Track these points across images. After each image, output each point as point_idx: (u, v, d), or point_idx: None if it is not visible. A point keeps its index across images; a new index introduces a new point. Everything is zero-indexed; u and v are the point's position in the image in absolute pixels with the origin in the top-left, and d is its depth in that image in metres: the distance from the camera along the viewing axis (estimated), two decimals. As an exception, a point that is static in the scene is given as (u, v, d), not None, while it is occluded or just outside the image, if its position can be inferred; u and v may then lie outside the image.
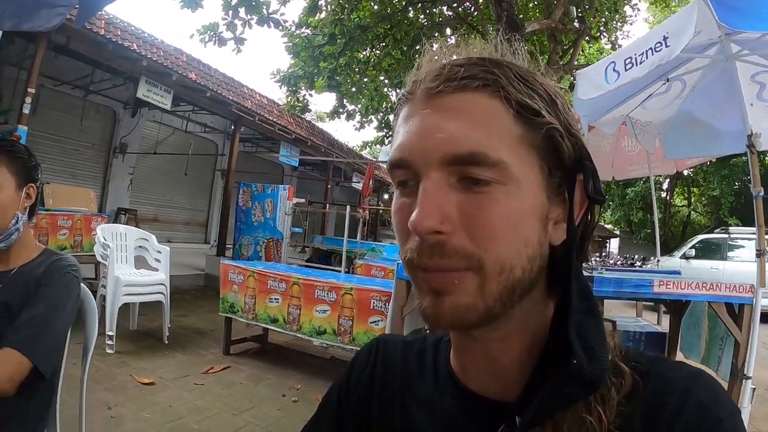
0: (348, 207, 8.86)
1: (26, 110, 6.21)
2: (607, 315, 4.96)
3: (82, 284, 1.72)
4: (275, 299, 4.72)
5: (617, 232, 28.76)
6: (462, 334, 0.64)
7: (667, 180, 24.02)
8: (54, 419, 1.73)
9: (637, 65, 3.28)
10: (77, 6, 2.82)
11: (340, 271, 8.02)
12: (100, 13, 7.03)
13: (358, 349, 3.11)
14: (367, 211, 10.23)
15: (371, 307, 4.17)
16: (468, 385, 0.66)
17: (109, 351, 4.74)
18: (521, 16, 9.78)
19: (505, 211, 0.54)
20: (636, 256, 17.12)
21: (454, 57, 0.60)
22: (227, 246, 10.47)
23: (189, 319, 6.55)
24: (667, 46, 3.04)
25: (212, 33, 8.00)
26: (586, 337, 0.55)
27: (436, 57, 0.62)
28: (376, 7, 10.20)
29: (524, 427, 0.54)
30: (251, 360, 5.04)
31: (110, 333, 4.81)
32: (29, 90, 6.33)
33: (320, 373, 4.77)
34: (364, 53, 11.47)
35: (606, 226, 28.92)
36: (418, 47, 10.60)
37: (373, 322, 4.15)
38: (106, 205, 11.07)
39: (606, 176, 6.88)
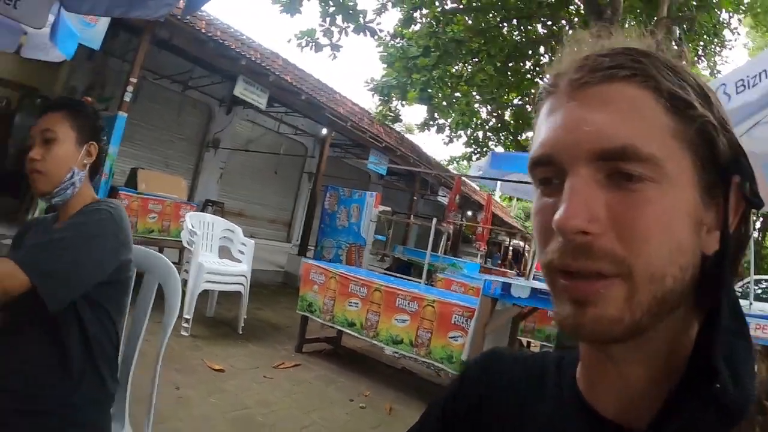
0: (434, 219, 8.73)
1: (127, 98, 6.50)
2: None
3: (127, 230, 1.58)
4: (355, 303, 4.65)
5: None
6: (599, 349, 0.57)
7: (761, 218, 22.46)
8: (124, 392, 1.73)
9: (749, 88, 2.92)
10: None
11: (420, 283, 7.92)
12: (200, 13, 7.31)
13: (432, 362, 2.96)
14: (451, 226, 10.08)
15: (452, 322, 4.01)
16: (596, 407, 0.58)
17: (183, 333, 4.83)
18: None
19: (658, 211, 0.49)
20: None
21: (597, 47, 0.55)
22: (309, 247, 10.58)
23: (265, 312, 6.60)
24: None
25: (309, 38, 8.16)
26: (734, 360, 0.49)
27: (576, 48, 0.57)
28: (470, 21, 10.08)
29: None
30: (323, 361, 4.98)
31: (187, 316, 4.89)
32: (131, 80, 6.62)
33: (390, 383, 4.64)
34: (457, 67, 11.36)
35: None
36: (511, 64, 10.39)
37: (452, 338, 3.99)
38: (195, 195, 11.50)
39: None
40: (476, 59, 10.91)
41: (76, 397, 1.43)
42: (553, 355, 0.71)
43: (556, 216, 0.49)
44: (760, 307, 10.62)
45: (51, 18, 3.36)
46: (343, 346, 5.47)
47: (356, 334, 4.62)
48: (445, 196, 14.94)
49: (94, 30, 5.60)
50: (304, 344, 5.18)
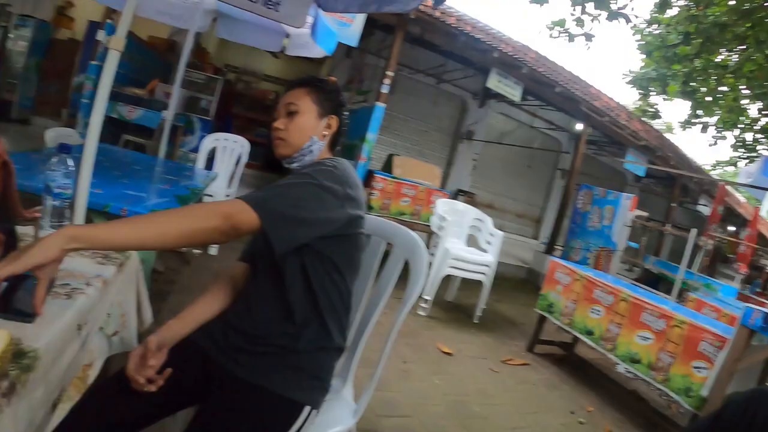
0: (694, 231, 7.78)
1: (384, 90, 6.90)
2: None
3: (355, 186, 1.58)
4: (597, 311, 4.30)
5: None
6: None
7: None
8: (352, 354, 1.87)
9: None
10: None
11: (669, 299, 7.13)
12: (449, 9, 7.45)
13: (667, 391, 2.59)
14: (711, 241, 8.86)
15: (699, 350, 3.43)
16: None
17: (421, 313, 5.05)
18: None
19: None
20: None
21: None
22: (557, 246, 10.20)
23: (503, 305, 6.56)
24: None
25: (561, 28, 7.79)
26: None
27: None
28: (734, 1, 8.64)
29: None
30: (552, 365, 4.77)
31: (427, 297, 5.10)
32: (387, 73, 7.02)
33: (615, 403, 4.23)
34: (722, 56, 9.84)
35: None
36: None
37: (696, 368, 3.41)
38: (447, 185, 11.88)
39: None
40: (743, 46, 9.33)
41: (299, 343, 1.51)
42: None
43: None
44: None
45: (310, 19, 3.70)
46: (576, 354, 5.16)
47: (592, 344, 4.26)
48: (706, 206, 13.20)
49: (350, 29, 6.09)
50: (537, 345, 5.01)
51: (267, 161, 11.57)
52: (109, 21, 6.28)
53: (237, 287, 1.71)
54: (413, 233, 1.87)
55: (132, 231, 1.18)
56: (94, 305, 1.41)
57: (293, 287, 1.53)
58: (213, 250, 5.03)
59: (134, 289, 1.83)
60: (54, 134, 3.36)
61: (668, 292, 7.45)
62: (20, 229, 1.49)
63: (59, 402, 1.24)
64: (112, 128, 6.40)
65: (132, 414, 1.39)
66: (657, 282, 10.11)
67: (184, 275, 4.30)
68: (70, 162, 1.47)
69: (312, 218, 1.43)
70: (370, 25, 8.03)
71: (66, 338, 1.21)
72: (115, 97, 6.01)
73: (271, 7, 3.24)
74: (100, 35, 6.24)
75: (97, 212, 2.19)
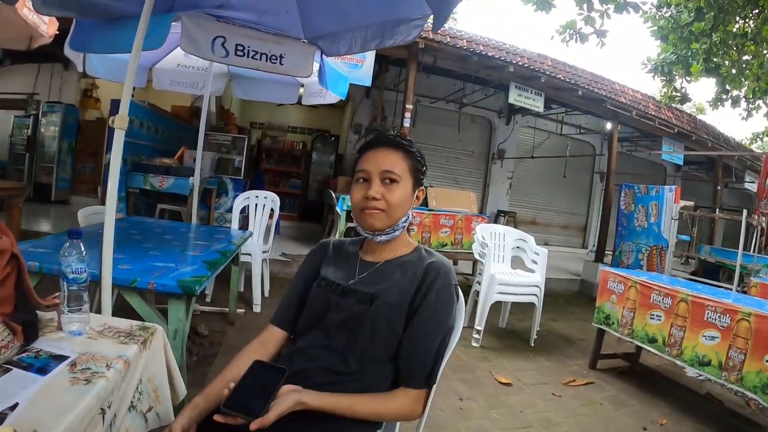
0: (744, 211, 7.47)
1: (406, 124, 6.97)
2: None
3: (459, 290, 1.67)
4: (657, 316, 4.08)
5: None
6: None
7: None
8: None
9: None
10: (431, 14, 2.89)
11: (730, 289, 6.81)
12: (459, 32, 7.48)
13: (743, 391, 2.38)
14: (764, 218, 8.47)
15: None
16: None
17: (474, 344, 4.91)
18: None
19: None
20: None
21: None
22: (606, 252, 9.93)
23: (558, 324, 6.34)
24: None
25: (572, 31, 7.71)
26: None
27: None
28: None
29: None
30: (617, 380, 4.54)
31: (478, 327, 4.96)
32: (407, 107, 7.13)
33: (690, 411, 3.97)
34: (738, 25, 9.50)
35: None
36: None
37: None
38: (486, 208, 11.88)
39: None
40: (757, 10, 8.99)
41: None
42: None
43: None
44: None
45: (316, 66, 3.73)
46: (641, 363, 4.92)
47: (657, 352, 4.03)
48: (753, 182, 12.66)
49: (361, 70, 6.17)
50: (599, 360, 4.79)
51: (302, 212, 11.78)
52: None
53: (268, 354, 1.66)
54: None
55: (348, 410, 1.41)
56: (116, 387, 1.38)
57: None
58: (257, 308, 5.04)
59: (163, 363, 1.80)
60: (86, 214, 3.45)
61: (730, 280, 7.11)
62: (44, 315, 1.53)
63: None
64: (147, 199, 6.61)
65: None
66: (716, 271, 9.69)
67: (229, 336, 4.29)
68: (83, 246, 1.48)
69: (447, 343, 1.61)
70: (382, 61, 8.15)
71: (87, 424, 1.17)
72: (145, 169, 6.20)
73: (275, 61, 3.30)
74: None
75: (125, 288, 2.20)
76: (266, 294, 5.46)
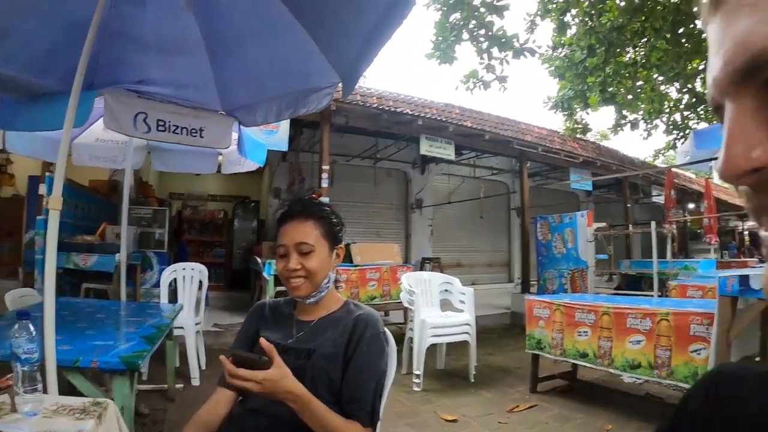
0: (652, 223, 8.03)
1: (324, 184, 7.17)
2: None
3: (388, 335, 1.82)
4: (584, 332, 4.36)
5: None
6: None
7: None
8: None
9: None
10: (340, 82, 3.09)
11: (652, 296, 7.28)
12: (369, 90, 7.82)
13: (676, 383, 2.60)
14: (673, 225, 9.14)
15: (691, 334, 3.54)
16: None
17: (416, 389, 4.95)
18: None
19: None
20: None
21: None
22: (531, 282, 10.33)
23: (495, 357, 6.50)
24: None
25: (475, 79, 8.16)
26: None
27: None
28: (623, 3, 9.27)
29: None
30: (559, 398, 4.74)
31: (417, 372, 5.04)
32: (323, 167, 7.35)
33: (633, 413, 4.21)
34: (629, 55, 10.46)
35: None
36: (681, 30, 9.32)
37: (694, 351, 3.52)
38: (410, 257, 12.04)
39: None
40: (644, 39, 9.93)
41: None
42: None
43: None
44: None
45: (235, 135, 3.85)
46: (580, 379, 5.16)
47: (590, 365, 4.30)
48: (660, 195, 13.69)
49: (277, 135, 6.31)
50: (539, 383, 4.99)
51: (229, 281, 11.60)
52: (48, 174, 6.32)
53: (220, 415, 1.71)
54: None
55: (322, 414, 1.50)
56: (82, 459, 1.40)
57: None
58: (195, 381, 4.93)
59: (119, 436, 1.80)
60: (13, 297, 3.34)
61: (652, 288, 7.58)
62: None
63: None
64: (71, 279, 6.29)
65: None
66: (638, 282, 10.27)
67: (171, 412, 4.17)
68: (32, 327, 1.50)
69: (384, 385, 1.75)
70: (297, 125, 8.33)
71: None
72: (68, 247, 5.95)
73: (195, 134, 3.39)
74: (42, 189, 6.26)
75: (68, 368, 2.17)
76: (203, 366, 5.34)
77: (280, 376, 1.43)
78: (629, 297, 5.42)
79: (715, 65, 0.40)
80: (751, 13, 0.36)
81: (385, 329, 1.77)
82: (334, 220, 1.79)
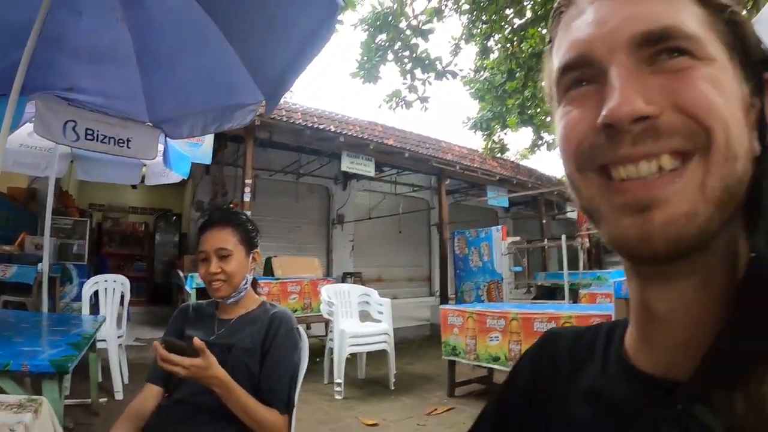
0: (563, 237, 8.53)
1: (246, 198, 7.25)
2: None
3: (301, 331, 2.01)
4: (495, 337, 4.67)
5: None
6: (654, 280, 0.52)
7: None
8: None
9: None
10: (264, 100, 3.24)
11: (563, 303, 7.73)
12: (295, 105, 7.97)
13: None
14: (586, 239, 9.72)
15: None
16: (639, 365, 0.55)
17: (337, 397, 5.09)
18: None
19: (716, 86, 0.45)
20: None
21: None
22: (450, 295, 10.69)
23: (415, 366, 6.72)
24: None
25: (398, 99, 8.44)
26: None
27: None
28: (543, 31, 9.92)
29: (703, 383, 0.43)
30: (476, 401, 5.00)
31: (338, 381, 5.18)
32: (246, 182, 7.46)
33: None
34: None
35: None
36: None
37: None
38: (332, 271, 12.13)
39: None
40: None
41: None
42: (607, 325, 0.67)
43: (607, 107, 0.46)
44: None
45: (161, 147, 3.92)
46: (495, 383, 5.45)
47: (503, 368, 4.59)
48: (574, 211, 14.45)
49: (201, 148, 6.34)
50: (456, 388, 5.25)
51: (151, 295, 11.31)
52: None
53: (149, 409, 1.86)
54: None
55: (241, 396, 1.68)
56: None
57: None
58: (119, 395, 4.87)
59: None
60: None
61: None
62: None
63: None
64: (-12, 290, 6.05)
65: None
66: (553, 292, 10.79)
67: (96, 427, 4.13)
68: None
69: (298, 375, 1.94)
70: (221, 138, 8.36)
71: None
72: (-15, 256, 5.75)
73: (122, 145, 3.45)
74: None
75: (-2, 373, 2.20)
76: (126, 381, 5.27)
77: (207, 364, 1.61)
78: (541, 304, 5.79)
79: (602, 27, 0.49)
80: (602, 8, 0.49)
81: (299, 326, 1.98)
82: (250, 227, 2.00)
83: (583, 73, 0.50)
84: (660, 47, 0.46)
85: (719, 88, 0.45)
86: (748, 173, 0.47)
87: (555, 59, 0.55)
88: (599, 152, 0.48)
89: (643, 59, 0.47)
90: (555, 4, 0.57)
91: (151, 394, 1.89)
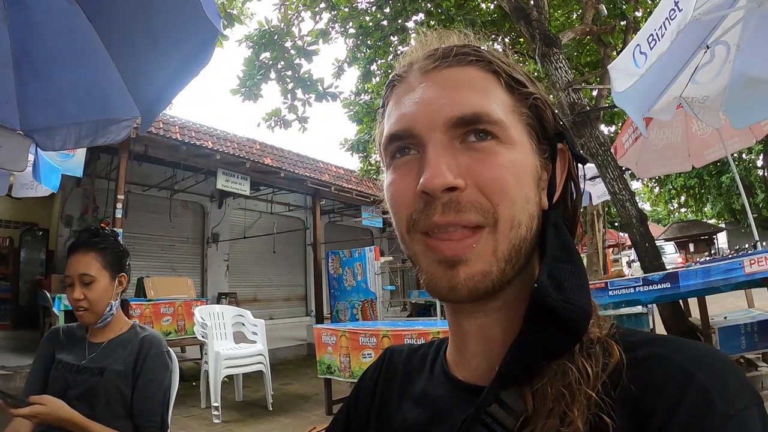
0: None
1: (118, 214, 6.94)
2: (715, 313, 4.68)
3: (172, 354, 2.03)
4: (368, 354, 4.78)
5: (722, 226, 27.20)
6: (463, 312, 0.65)
7: (761, 155, 22.30)
8: None
9: (660, 40, 3.01)
10: (140, 116, 3.18)
11: (436, 320, 8.03)
12: (173, 119, 7.77)
13: None
14: None
15: None
16: (456, 374, 0.68)
17: (216, 421, 5.02)
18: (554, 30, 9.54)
19: (510, 167, 0.58)
20: (747, 245, 15.65)
21: (442, 44, 0.66)
22: (326, 315, 10.77)
23: (293, 386, 6.74)
24: (679, 10, 2.76)
25: (276, 118, 8.45)
26: (558, 277, 0.56)
27: (424, 43, 0.68)
28: None
29: (497, 386, 0.55)
30: (353, 417, 5.07)
31: (215, 404, 5.10)
32: (119, 197, 7.11)
33: None
34: None
35: (709, 221, 27.23)
36: None
37: None
38: (207, 291, 11.79)
39: (685, 167, 6.54)
40: None
41: None
42: (438, 342, 0.79)
43: (424, 178, 0.56)
44: None
45: (31, 158, 3.69)
46: (372, 398, 5.55)
47: (378, 384, 4.72)
48: None
49: (73, 160, 5.98)
50: (333, 405, 5.29)
51: (16, 318, 10.31)
52: None
53: None
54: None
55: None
56: None
57: None
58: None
59: None
60: None
61: (443, 314, 8.29)
62: None
63: None
64: None
65: None
66: (428, 309, 11.16)
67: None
68: None
69: (169, 397, 1.97)
70: (94, 150, 7.94)
71: None
72: None
73: (-11, 153, 3.21)
74: None
75: None
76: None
77: (52, 409, 1.63)
78: (414, 321, 6.00)
79: (425, 107, 0.60)
80: (462, 87, 0.60)
81: (169, 349, 2.02)
82: (118, 250, 1.99)
83: (407, 143, 0.61)
84: (470, 128, 0.58)
85: (514, 171, 0.58)
86: (534, 229, 0.60)
87: (387, 124, 0.66)
88: (421, 221, 0.58)
89: (456, 137, 0.58)
90: (390, 76, 0.69)
91: (23, 422, 1.80)
